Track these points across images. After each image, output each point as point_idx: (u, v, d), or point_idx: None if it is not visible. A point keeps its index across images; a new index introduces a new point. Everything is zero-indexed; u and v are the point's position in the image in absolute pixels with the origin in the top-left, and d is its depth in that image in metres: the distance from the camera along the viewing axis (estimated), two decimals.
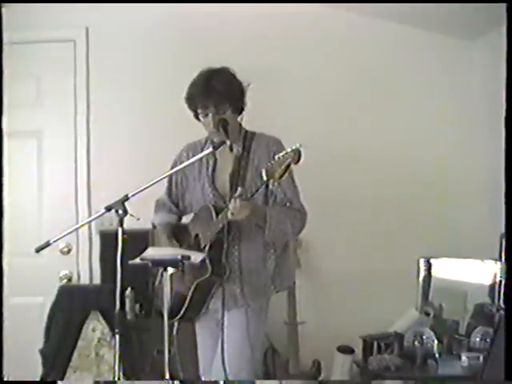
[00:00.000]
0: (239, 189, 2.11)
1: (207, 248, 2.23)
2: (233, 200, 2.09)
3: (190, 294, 2.26)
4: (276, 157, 1.98)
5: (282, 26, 3.46)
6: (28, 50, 3.40)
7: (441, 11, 3.13)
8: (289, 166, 1.95)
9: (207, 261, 2.20)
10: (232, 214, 2.10)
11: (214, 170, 2.39)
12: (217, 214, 2.23)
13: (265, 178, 2.00)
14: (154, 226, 2.48)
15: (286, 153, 1.95)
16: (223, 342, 2.19)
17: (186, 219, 2.52)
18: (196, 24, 3.42)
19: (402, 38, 3.52)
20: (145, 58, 3.45)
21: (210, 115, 2.27)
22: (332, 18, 3.45)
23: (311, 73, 3.48)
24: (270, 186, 2.27)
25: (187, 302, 2.26)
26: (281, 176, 1.98)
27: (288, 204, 2.30)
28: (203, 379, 2.43)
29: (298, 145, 1.94)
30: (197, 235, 2.33)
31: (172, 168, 2.39)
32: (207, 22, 3.40)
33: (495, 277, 3.08)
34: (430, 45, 3.53)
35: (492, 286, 3.08)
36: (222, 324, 2.21)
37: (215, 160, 2.40)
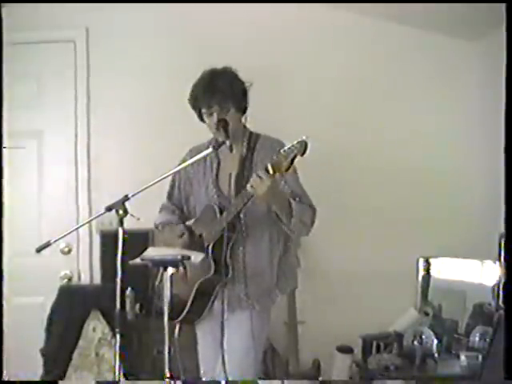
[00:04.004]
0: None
1: (211, 247, 2.22)
2: (254, 175, 2.05)
3: (192, 294, 2.25)
4: (281, 150, 1.98)
5: (282, 26, 3.46)
6: (28, 50, 3.40)
7: (441, 11, 3.13)
8: (294, 158, 1.95)
9: (210, 260, 2.20)
10: (252, 186, 2.05)
11: (217, 171, 2.38)
12: (221, 213, 2.23)
13: (271, 171, 1.99)
14: (157, 227, 2.47)
15: (292, 145, 1.95)
16: (223, 341, 2.19)
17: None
18: (196, 24, 3.42)
19: (402, 38, 3.52)
20: (145, 57, 3.45)
21: (215, 114, 2.27)
22: (332, 17, 3.45)
23: (311, 73, 3.48)
24: None
25: (189, 302, 2.26)
26: (287, 169, 1.98)
27: (297, 199, 2.26)
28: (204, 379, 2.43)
29: (304, 137, 1.94)
30: (201, 235, 2.32)
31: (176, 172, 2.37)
32: (208, 22, 3.41)
33: (494, 276, 3.08)
34: (430, 45, 3.53)
35: (491, 286, 3.09)
36: (222, 323, 2.20)
37: (218, 161, 2.40)
